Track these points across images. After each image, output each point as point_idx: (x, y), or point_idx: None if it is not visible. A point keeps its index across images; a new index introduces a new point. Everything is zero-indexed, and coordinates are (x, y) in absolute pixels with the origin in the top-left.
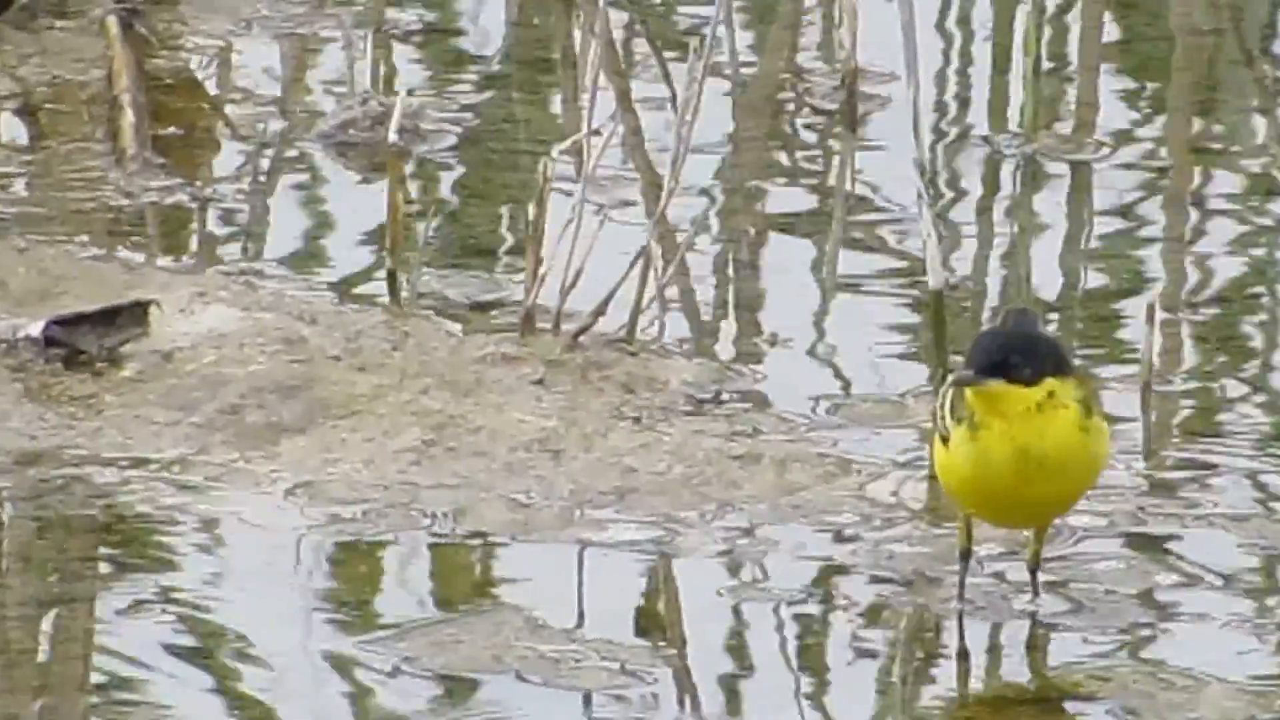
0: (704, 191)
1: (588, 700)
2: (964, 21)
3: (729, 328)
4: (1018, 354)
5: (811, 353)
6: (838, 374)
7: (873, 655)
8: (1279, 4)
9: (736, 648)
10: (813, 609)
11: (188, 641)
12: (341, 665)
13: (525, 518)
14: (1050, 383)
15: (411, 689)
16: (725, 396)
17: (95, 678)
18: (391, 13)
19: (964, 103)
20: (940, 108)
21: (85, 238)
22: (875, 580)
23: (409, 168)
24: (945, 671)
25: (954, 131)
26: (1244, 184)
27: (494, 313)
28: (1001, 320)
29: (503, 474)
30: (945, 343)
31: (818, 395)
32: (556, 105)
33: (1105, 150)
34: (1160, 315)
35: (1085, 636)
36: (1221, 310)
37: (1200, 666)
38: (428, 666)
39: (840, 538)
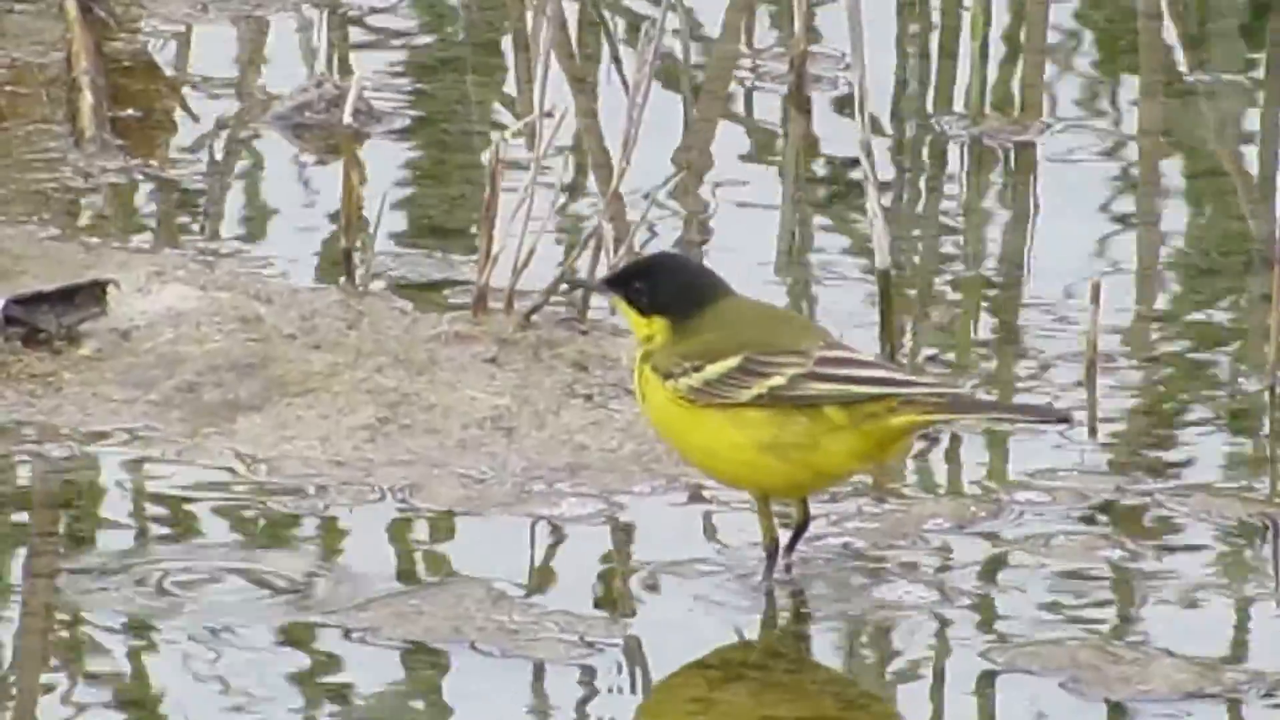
0: (656, 172)
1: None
2: (915, 4)
3: None
4: (642, 280)
5: None
6: None
7: (821, 621)
8: None
9: (688, 620)
10: (759, 581)
11: (144, 616)
12: (302, 638)
13: (479, 493)
14: (658, 323)
15: (373, 660)
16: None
17: (56, 650)
18: None
19: (912, 85)
20: (891, 89)
21: (44, 218)
22: (823, 553)
23: (363, 149)
24: (905, 633)
25: (902, 113)
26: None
27: (447, 292)
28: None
29: (456, 451)
30: (893, 321)
31: None
32: (510, 87)
33: (1052, 132)
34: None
35: (1035, 610)
36: (1171, 296)
37: (1150, 639)
38: (389, 636)
39: (788, 512)
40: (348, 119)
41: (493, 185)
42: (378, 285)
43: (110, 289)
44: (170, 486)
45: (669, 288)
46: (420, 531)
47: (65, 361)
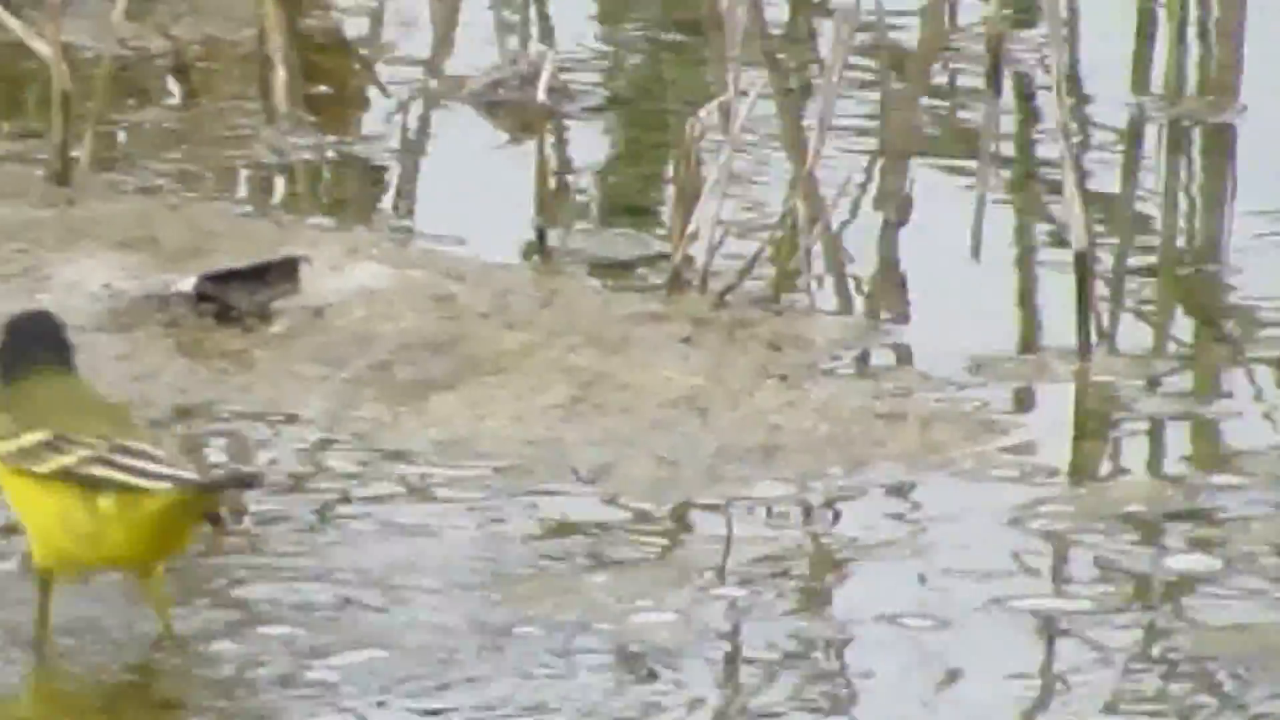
0: (848, 151)
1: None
2: None
3: (875, 286)
4: None
5: (957, 312)
6: (983, 333)
7: (1018, 610)
8: None
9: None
10: (955, 564)
11: (328, 597)
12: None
13: (671, 474)
14: None
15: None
16: (870, 355)
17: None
18: None
19: (1108, 66)
20: (1087, 71)
21: (237, 195)
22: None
23: (558, 127)
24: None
25: (1099, 94)
26: None
27: (641, 271)
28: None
29: (649, 431)
30: (1089, 303)
31: (963, 354)
32: (704, 65)
33: (1249, 112)
34: None
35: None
36: None
37: None
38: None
39: (983, 496)
40: (542, 97)
41: (687, 164)
42: (571, 264)
43: (303, 266)
44: (364, 464)
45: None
46: (612, 511)
47: (257, 339)
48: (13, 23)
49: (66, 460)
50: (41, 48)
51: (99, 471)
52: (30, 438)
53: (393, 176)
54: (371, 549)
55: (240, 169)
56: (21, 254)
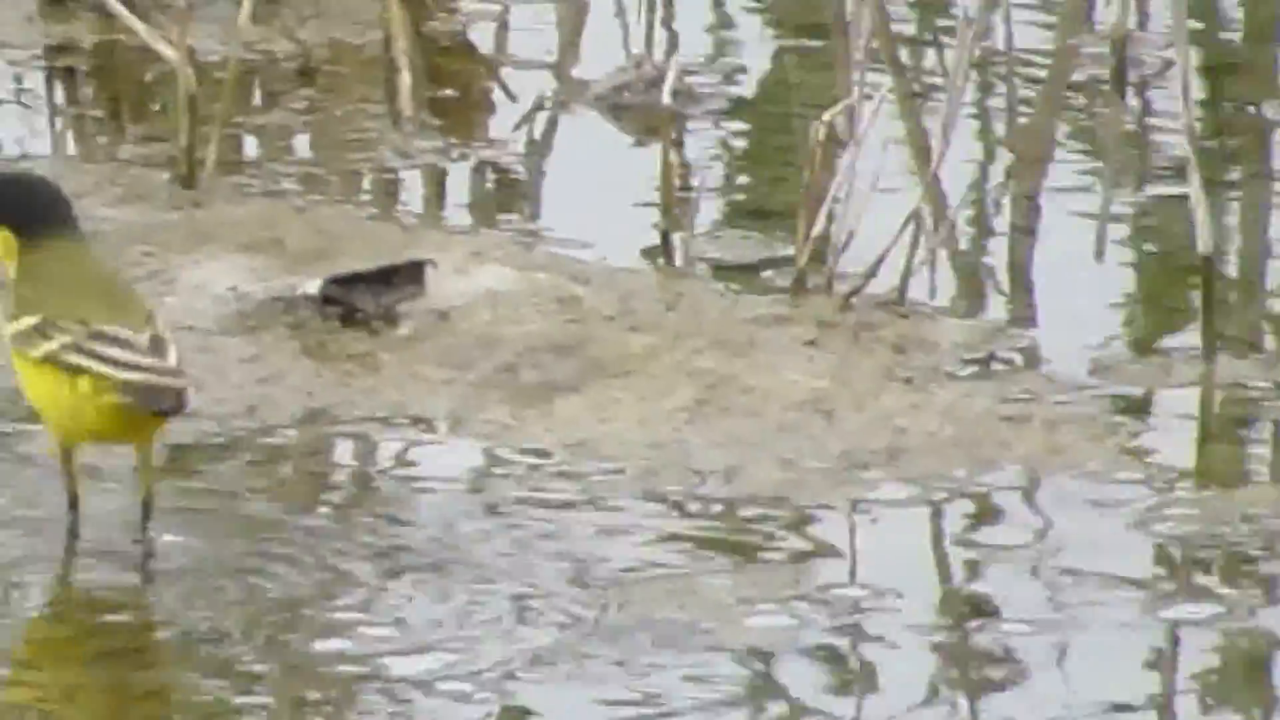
0: (972, 154)
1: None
2: None
3: (999, 289)
4: None
5: (1081, 314)
6: (1107, 335)
7: (1144, 613)
8: None
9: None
10: (1080, 566)
11: (451, 593)
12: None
13: (795, 477)
14: (11, 241)
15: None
16: (995, 358)
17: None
18: None
19: (1231, 69)
20: (1209, 74)
21: (362, 198)
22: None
23: (682, 130)
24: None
25: (1223, 98)
26: None
27: (766, 274)
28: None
29: (774, 434)
30: (1214, 307)
31: (1087, 356)
32: (829, 69)
33: None
34: None
35: None
36: None
37: None
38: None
39: (1108, 499)
40: (666, 100)
41: (813, 167)
42: (696, 267)
43: (428, 269)
44: (488, 466)
45: (13, 199)
46: (737, 514)
47: (383, 342)
48: (139, 27)
49: (50, 346)
50: (168, 51)
51: (74, 359)
52: (27, 322)
53: (518, 180)
54: (495, 549)
55: (365, 172)
56: (148, 257)
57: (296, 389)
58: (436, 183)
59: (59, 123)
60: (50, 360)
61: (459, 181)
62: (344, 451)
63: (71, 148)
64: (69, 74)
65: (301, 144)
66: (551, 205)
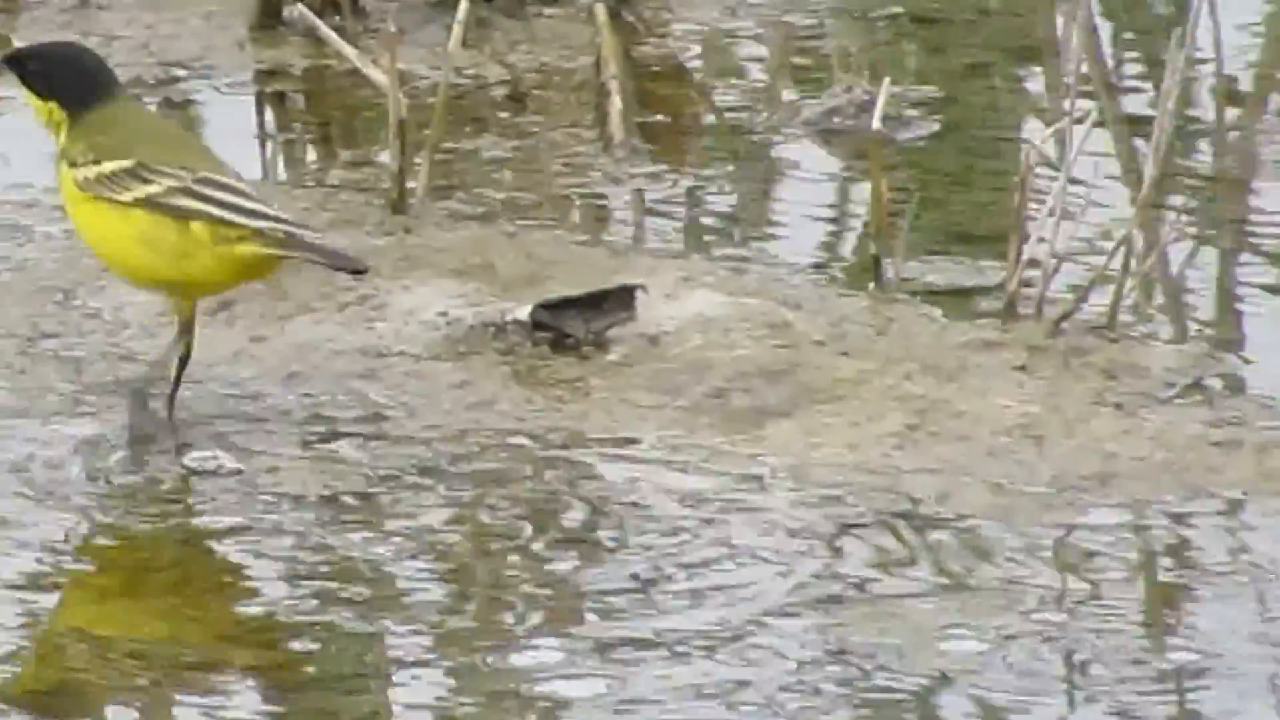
0: (1184, 179)
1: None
2: None
3: (1210, 314)
4: (38, 61)
5: None
6: None
7: None
8: None
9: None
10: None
11: (689, 626)
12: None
13: (1006, 502)
14: (58, 112)
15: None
16: (1206, 383)
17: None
18: (872, 1)
19: None
20: None
21: (572, 223)
22: None
23: (892, 155)
24: None
25: None
26: None
27: (976, 299)
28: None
29: (985, 458)
30: None
31: None
32: (1039, 92)
33: None
34: None
35: None
36: None
37: None
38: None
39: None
40: (877, 125)
41: (1023, 192)
42: (907, 292)
43: (639, 294)
44: (700, 491)
45: (64, 73)
46: (951, 538)
47: (593, 367)
48: (349, 51)
49: (152, 189)
50: (378, 76)
51: (184, 202)
52: (112, 166)
53: (728, 204)
54: (708, 574)
55: (575, 197)
56: (359, 282)
57: (507, 414)
58: (646, 207)
59: (269, 148)
60: (148, 204)
61: (669, 206)
62: (555, 477)
63: (282, 173)
64: (279, 99)
65: (512, 169)
66: (762, 230)
